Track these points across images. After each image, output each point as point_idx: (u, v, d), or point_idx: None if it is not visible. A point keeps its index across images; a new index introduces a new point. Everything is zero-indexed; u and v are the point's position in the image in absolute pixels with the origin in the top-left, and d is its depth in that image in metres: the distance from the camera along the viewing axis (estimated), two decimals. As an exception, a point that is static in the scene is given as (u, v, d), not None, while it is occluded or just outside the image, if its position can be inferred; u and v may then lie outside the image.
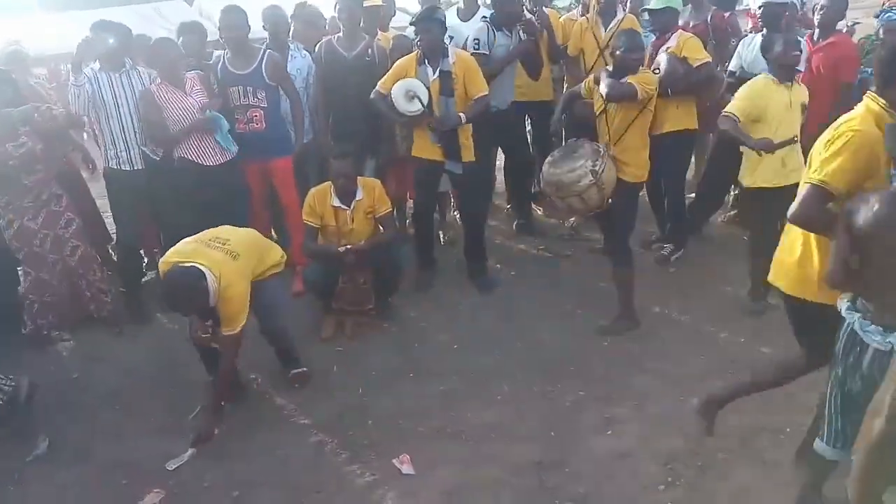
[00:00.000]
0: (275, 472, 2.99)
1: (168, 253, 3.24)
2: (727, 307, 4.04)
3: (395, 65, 4.17)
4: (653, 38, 4.51)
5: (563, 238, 5.12)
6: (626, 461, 2.88)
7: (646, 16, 4.65)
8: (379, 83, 4.15)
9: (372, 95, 4.16)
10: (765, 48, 3.78)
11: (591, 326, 3.90)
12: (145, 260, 4.99)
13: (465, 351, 3.80)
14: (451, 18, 4.91)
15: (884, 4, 4.94)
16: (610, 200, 3.68)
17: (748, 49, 4.47)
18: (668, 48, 4.23)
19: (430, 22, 4.05)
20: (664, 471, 2.80)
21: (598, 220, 4.04)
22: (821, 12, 4.32)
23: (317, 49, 4.58)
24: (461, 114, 4.05)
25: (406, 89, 3.97)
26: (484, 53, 4.47)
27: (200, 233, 3.34)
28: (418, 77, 4.03)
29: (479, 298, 4.37)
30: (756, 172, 3.76)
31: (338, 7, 4.48)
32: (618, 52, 3.67)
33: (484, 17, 4.70)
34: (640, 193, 4.06)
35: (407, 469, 2.91)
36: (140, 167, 4.18)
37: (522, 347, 3.78)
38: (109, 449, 3.20)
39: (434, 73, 4.05)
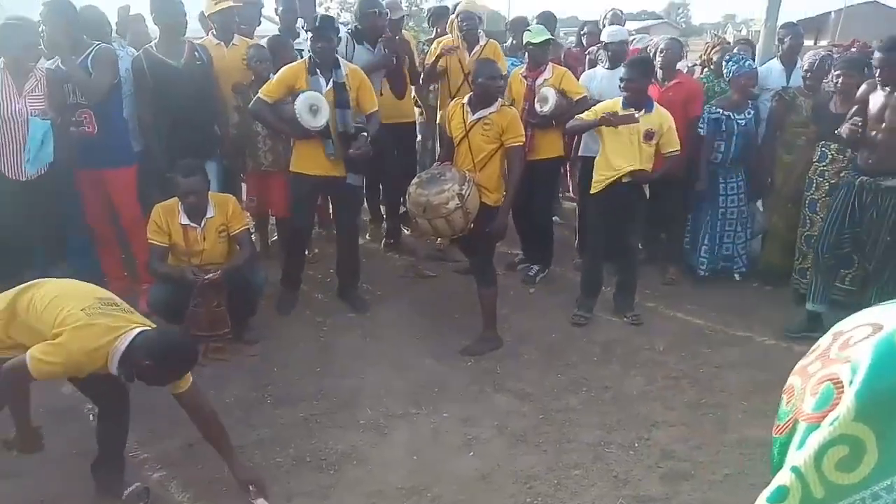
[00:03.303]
0: (111, 514, 2.70)
1: None
2: (581, 327, 4.23)
3: (281, 72, 4.00)
4: (521, 65, 4.67)
5: (429, 258, 5.15)
6: (487, 482, 2.90)
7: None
8: (262, 90, 3.95)
9: (254, 105, 3.94)
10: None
11: (456, 347, 3.92)
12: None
13: (327, 374, 3.68)
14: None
15: (708, 52, 5.35)
16: (472, 225, 3.75)
17: (597, 81, 4.83)
18: (545, 80, 4.43)
19: (329, 31, 3.95)
20: (523, 490, 2.85)
21: (460, 242, 4.10)
22: (661, 55, 4.70)
23: (134, 60, 4.21)
24: (364, 133, 3.99)
25: (310, 103, 3.81)
26: None
27: None
28: (310, 87, 3.89)
29: (343, 319, 4.26)
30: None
31: (157, 12, 4.11)
32: (479, 80, 3.78)
33: (345, 24, 4.67)
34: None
35: None
36: None
37: (386, 369, 3.72)
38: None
39: (327, 84, 3.93)
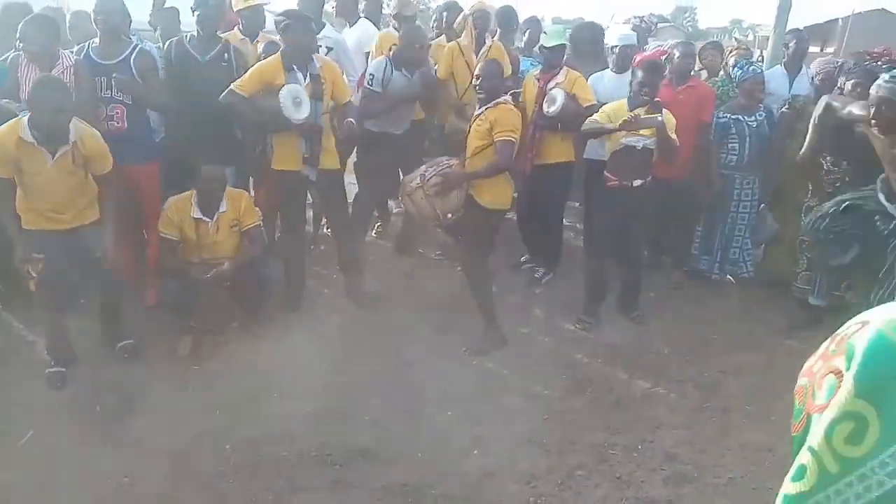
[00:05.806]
0: (118, 505, 2.73)
1: None
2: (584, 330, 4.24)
3: (257, 67, 3.95)
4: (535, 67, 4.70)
5: (435, 258, 5.16)
6: (491, 481, 2.92)
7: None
8: (235, 84, 3.88)
9: (227, 97, 3.85)
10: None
11: (462, 346, 3.94)
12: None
13: (332, 371, 3.68)
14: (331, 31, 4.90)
15: (731, 52, 5.50)
16: (450, 215, 3.81)
17: (604, 84, 4.82)
18: (557, 83, 4.43)
19: (305, 23, 3.94)
20: (527, 490, 2.87)
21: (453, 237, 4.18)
22: (679, 60, 4.71)
23: (166, 49, 4.27)
24: (351, 119, 3.99)
25: (294, 96, 3.80)
26: (376, 91, 4.43)
27: None
28: (288, 83, 3.87)
29: (349, 316, 4.28)
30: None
31: (197, 10, 4.16)
32: (475, 78, 3.87)
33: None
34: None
35: None
36: None
37: (391, 367, 3.73)
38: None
39: (305, 78, 3.93)
